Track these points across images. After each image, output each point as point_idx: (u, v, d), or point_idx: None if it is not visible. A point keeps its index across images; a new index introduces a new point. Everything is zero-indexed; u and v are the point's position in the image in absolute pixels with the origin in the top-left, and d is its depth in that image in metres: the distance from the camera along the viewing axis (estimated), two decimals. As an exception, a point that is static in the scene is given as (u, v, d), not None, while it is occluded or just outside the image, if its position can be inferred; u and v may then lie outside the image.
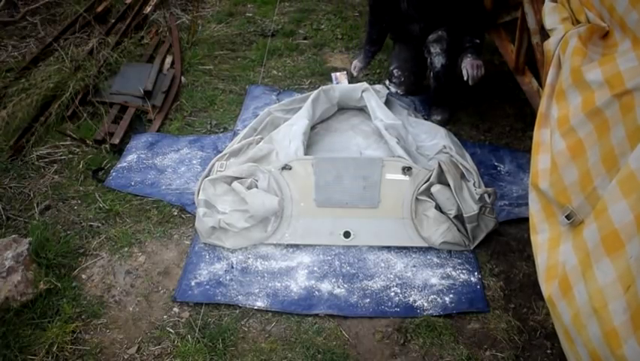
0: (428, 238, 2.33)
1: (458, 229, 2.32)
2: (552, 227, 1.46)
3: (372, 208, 2.40)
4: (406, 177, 2.39)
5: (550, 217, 1.48)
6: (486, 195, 2.31)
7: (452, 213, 2.28)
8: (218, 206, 2.40)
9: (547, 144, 1.55)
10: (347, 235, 2.38)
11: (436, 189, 2.32)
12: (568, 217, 1.37)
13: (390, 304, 2.14)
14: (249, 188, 2.40)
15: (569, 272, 1.27)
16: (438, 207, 2.34)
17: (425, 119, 3.02)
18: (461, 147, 2.75)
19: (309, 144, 2.73)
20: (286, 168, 2.41)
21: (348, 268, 2.29)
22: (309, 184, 2.41)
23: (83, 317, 2.12)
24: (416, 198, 2.36)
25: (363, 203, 2.40)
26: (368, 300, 2.15)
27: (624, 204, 1.15)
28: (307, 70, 3.65)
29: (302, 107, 2.85)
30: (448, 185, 2.31)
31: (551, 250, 1.42)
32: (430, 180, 2.35)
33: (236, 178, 2.46)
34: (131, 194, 2.67)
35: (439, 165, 2.35)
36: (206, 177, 2.54)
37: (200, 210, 2.39)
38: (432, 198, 2.35)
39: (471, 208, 2.26)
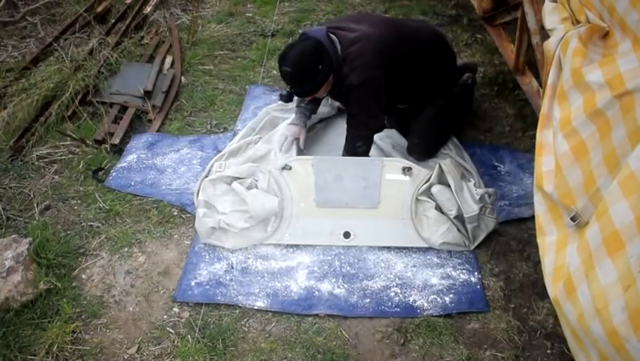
0: (428, 239, 2.33)
1: (458, 229, 2.32)
2: (559, 229, 1.46)
3: (372, 208, 2.40)
4: (406, 178, 2.38)
5: (557, 219, 1.48)
6: (486, 196, 2.31)
7: (452, 213, 2.28)
8: (217, 206, 2.40)
9: (551, 145, 1.55)
10: (347, 235, 2.38)
11: (436, 189, 2.32)
12: (573, 219, 1.37)
13: (390, 304, 2.14)
14: (249, 188, 2.40)
15: (572, 273, 1.27)
16: (438, 208, 2.34)
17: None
18: (461, 149, 2.76)
19: (308, 143, 2.73)
20: (286, 168, 2.41)
21: (348, 268, 2.29)
22: (309, 184, 2.41)
23: (83, 317, 2.12)
24: (416, 199, 2.36)
25: (363, 203, 2.40)
26: (368, 300, 2.15)
27: (625, 205, 1.16)
28: (307, 70, 3.64)
29: None
30: (449, 185, 2.31)
31: (559, 251, 1.42)
32: (431, 180, 2.35)
33: (236, 178, 2.46)
34: (131, 194, 2.67)
35: (440, 166, 2.34)
36: (205, 177, 2.54)
37: (200, 211, 2.38)
38: (432, 199, 2.35)
39: (471, 209, 2.26)
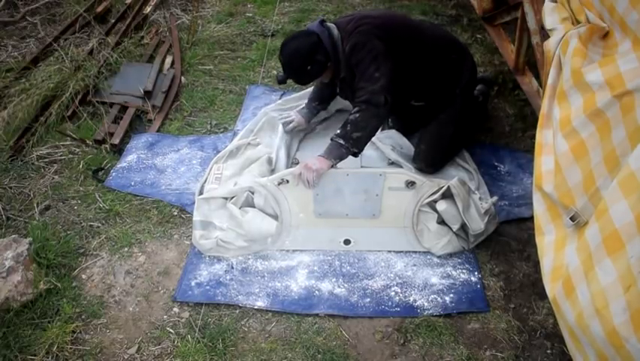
0: (429, 249, 2.32)
1: (458, 235, 2.31)
2: (558, 229, 1.46)
3: (373, 219, 2.39)
4: (410, 191, 2.33)
5: (556, 219, 1.48)
6: (492, 207, 2.29)
7: (456, 227, 2.27)
8: (215, 221, 2.36)
9: (550, 145, 1.55)
10: (347, 242, 2.38)
11: (442, 207, 2.26)
12: (572, 219, 1.37)
13: (390, 303, 2.14)
14: (245, 206, 2.37)
15: (572, 273, 1.27)
16: (439, 219, 2.31)
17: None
18: (462, 149, 2.74)
19: (307, 145, 2.72)
20: (283, 182, 2.34)
21: (348, 267, 2.29)
22: (308, 196, 2.35)
23: (83, 317, 2.12)
24: (418, 210, 2.33)
25: (364, 214, 2.37)
26: (368, 300, 2.15)
27: (624, 205, 1.16)
28: (307, 70, 3.65)
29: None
30: (454, 201, 2.27)
31: (557, 251, 1.42)
32: (435, 197, 2.29)
33: (231, 198, 2.41)
34: (131, 194, 2.67)
35: (449, 188, 2.26)
36: (205, 180, 2.54)
37: (197, 233, 2.35)
38: (434, 209, 2.31)
39: (478, 226, 2.24)
